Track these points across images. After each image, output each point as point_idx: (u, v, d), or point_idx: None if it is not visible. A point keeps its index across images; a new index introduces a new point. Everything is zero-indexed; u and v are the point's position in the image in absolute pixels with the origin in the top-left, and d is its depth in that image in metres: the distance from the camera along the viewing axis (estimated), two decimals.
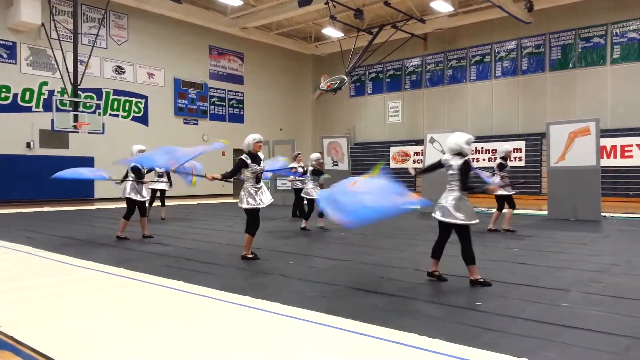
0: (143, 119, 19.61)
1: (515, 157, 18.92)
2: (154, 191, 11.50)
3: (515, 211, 8.95)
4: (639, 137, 16.70)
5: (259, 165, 6.29)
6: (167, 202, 12.47)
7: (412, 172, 5.84)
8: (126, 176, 8.31)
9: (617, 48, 17.56)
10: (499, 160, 9.03)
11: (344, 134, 20.41)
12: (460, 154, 4.96)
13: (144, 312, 4.04)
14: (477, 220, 4.94)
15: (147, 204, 8.84)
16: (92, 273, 5.59)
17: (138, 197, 8.17)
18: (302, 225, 9.42)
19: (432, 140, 12.91)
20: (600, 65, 17.90)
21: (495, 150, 19.34)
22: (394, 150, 22.72)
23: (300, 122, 25.95)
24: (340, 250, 7.13)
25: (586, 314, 3.90)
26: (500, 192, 8.64)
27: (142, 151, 8.25)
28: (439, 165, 5.19)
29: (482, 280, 4.85)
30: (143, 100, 19.60)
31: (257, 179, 6.32)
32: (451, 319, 3.83)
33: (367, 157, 23.36)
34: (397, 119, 23.29)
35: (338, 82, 19.72)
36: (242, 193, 6.33)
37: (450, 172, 4.96)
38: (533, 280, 5.04)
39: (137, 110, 19.44)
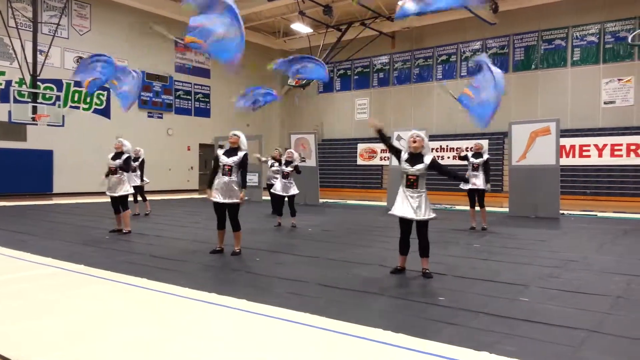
0: (105, 112, 19.10)
1: None
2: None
3: (477, 208, 9.15)
4: (597, 138, 17.33)
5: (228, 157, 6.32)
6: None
7: (374, 127, 5.39)
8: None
9: (577, 50, 18.14)
10: (487, 156, 9.19)
11: (312, 130, 20.41)
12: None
13: (106, 311, 3.95)
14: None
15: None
16: (52, 270, 5.42)
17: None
18: (277, 222, 9.44)
19: (399, 138, 13.06)
20: (561, 67, 18.46)
21: (460, 148, 19.69)
22: (361, 147, 22.87)
23: (268, 118, 25.79)
24: (307, 247, 7.14)
25: (544, 308, 4.03)
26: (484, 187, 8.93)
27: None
28: (397, 152, 5.25)
29: (428, 271, 5.17)
30: (105, 93, 19.08)
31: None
32: (415, 313, 3.89)
33: (335, 153, 23.44)
34: (365, 116, 23.44)
35: (306, 78, 19.67)
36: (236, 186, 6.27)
37: (420, 167, 5.04)
38: (494, 276, 5.18)
39: (98, 102, 18.93)
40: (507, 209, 12.10)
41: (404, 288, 4.74)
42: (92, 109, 18.71)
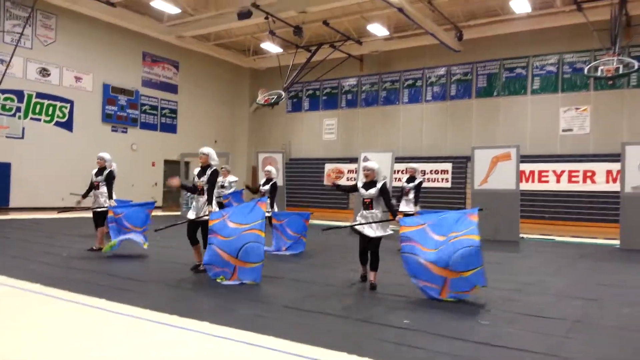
0: (67, 125, 18.62)
1: (442, 179, 19.77)
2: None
3: None
4: (555, 164, 17.95)
5: (199, 178, 6.51)
6: (79, 214, 11.80)
7: (330, 183, 7.00)
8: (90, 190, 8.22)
9: (537, 79, 18.87)
10: (419, 180, 9.33)
11: (280, 149, 20.42)
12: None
13: (60, 332, 3.81)
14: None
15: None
16: (5, 289, 5.20)
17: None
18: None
19: (366, 159, 13.20)
20: (521, 95, 19.13)
21: (424, 170, 20.10)
22: (328, 167, 22.99)
23: (236, 135, 25.68)
24: (272, 267, 7.08)
25: (503, 331, 4.12)
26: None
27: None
28: (353, 189, 6.16)
29: (374, 283, 5.72)
30: (68, 105, 18.63)
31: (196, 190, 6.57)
32: (380, 336, 3.91)
33: (302, 172, 23.47)
34: (333, 136, 23.63)
35: (275, 97, 19.74)
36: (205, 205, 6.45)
37: (373, 191, 5.78)
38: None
39: (61, 115, 18.45)
40: None
41: (369, 310, 4.76)
42: (53, 122, 18.20)
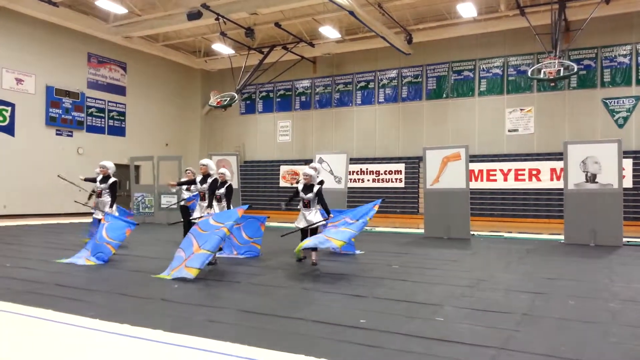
0: (8, 129, 17.73)
1: (395, 179, 20.11)
2: None
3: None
4: (502, 163, 18.61)
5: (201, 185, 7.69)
6: (22, 221, 11.32)
7: (283, 206, 7.84)
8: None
9: (484, 81, 19.51)
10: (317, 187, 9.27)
11: (234, 152, 20.19)
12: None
13: (3, 347, 3.60)
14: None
15: None
16: None
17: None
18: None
19: (321, 161, 13.26)
20: (469, 97, 19.73)
21: (379, 171, 20.38)
22: (283, 169, 22.93)
23: (188, 138, 25.20)
24: (227, 271, 6.98)
25: (457, 327, 4.21)
26: None
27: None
28: (296, 194, 7.53)
29: (316, 263, 7.19)
30: (9, 108, 17.75)
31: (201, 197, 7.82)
32: (337, 337, 3.91)
33: (256, 175, 23.31)
34: (287, 138, 23.59)
35: (228, 99, 19.52)
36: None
37: (310, 195, 7.38)
38: (411, 296, 5.34)
39: (1, 118, 17.53)
40: (422, 230, 12.59)
41: (327, 312, 4.76)
42: None
